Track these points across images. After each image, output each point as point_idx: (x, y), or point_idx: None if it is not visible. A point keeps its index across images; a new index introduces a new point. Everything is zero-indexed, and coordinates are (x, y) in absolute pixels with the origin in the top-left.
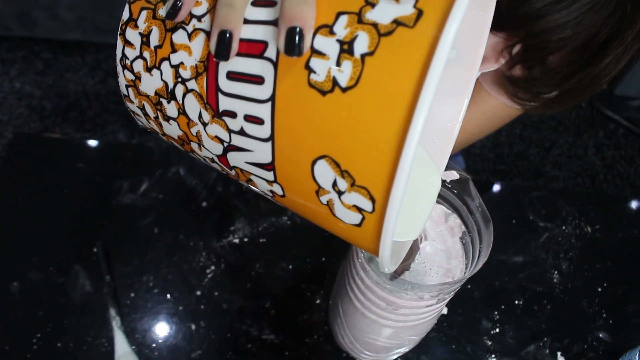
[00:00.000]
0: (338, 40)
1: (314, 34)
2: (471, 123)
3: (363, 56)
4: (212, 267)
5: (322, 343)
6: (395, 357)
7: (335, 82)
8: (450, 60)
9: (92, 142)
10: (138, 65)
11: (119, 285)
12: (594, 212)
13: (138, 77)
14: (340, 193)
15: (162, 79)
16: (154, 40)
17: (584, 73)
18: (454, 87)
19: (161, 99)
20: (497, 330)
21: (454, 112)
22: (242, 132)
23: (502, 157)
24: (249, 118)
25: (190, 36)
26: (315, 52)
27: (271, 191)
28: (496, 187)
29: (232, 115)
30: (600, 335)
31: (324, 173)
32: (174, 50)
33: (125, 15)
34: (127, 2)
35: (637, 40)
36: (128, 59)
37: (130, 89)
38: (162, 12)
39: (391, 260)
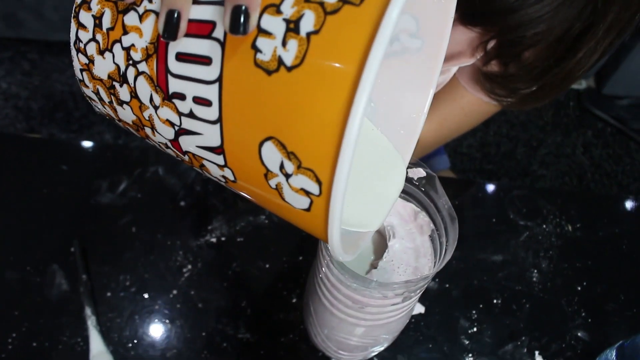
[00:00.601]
0: (285, 20)
1: (261, 13)
2: (449, 119)
3: (309, 35)
4: (189, 266)
5: (297, 342)
6: (370, 356)
7: (280, 62)
8: (414, 50)
9: (72, 142)
10: (91, 48)
11: (95, 284)
12: (575, 211)
13: (91, 61)
14: (287, 176)
15: (114, 62)
16: (106, 22)
17: (558, 68)
18: (419, 78)
19: (114, 83)
20: (475, 329)
21: (419, 103)
22: (191, 115)
23: (489, 157)
24: (197, 100)
25: (141, 18)
26: (261, 31)
27: (223, 177)
28: (477, 186)
29: (182, 97)
30: (579, 334)
31: (271, 155)
32: (125, 32)
33: None
34: None
35: (608, 34)
36: (82, 42)
37: (84, 73)
38: None
39: (347, 249)
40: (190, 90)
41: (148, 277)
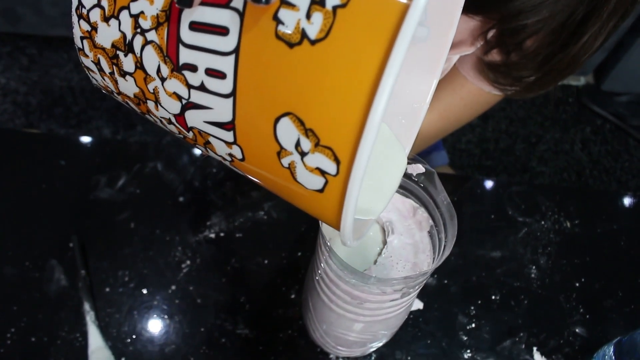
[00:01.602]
0: None
1: None
2: (449, 110)
3: (335, 8)
4: (188, 262)
5: (296, 338)
6: (369, 351)
7: (304, 34)
8: (420, 39)
9: (71, 138)
10: (95, 15)
11: (94, 279)
12: (574, 207)
13: (94, 28)
14: (303, 154)
15: (120, 30)
16: None
17: (563, 53)
18: (423, 67)
19: (118, 52)
20: (473, 325)
21: (422, 93)
22: (202, 88)
23: (488, 153)
24: (210, 72)
25: None
26: (284, 2)
27: (230, 155)
28: (476, 182)
29: (193, 68)
30: (577, 330)
31: (287, 132)
32: None
33: None
34: None
35: (613, 16)
36: (84, 8)
37: (85, 41)
38: None
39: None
40: (203, 61)
41: (147, 273)
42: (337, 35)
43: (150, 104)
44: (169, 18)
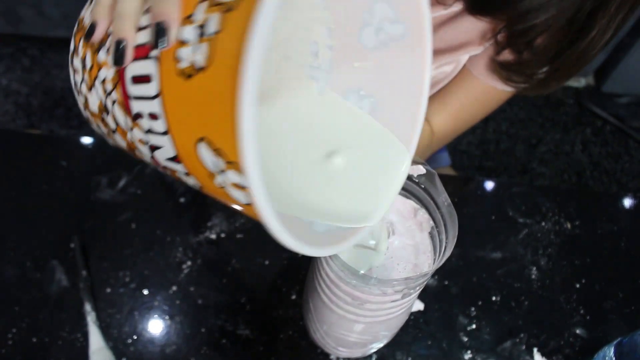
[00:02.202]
0: (197, 27)
1: (181, 25)
2: (462, 110)
3: (213, 35)
4: (189, 263)
5: (296, 339)
6: (370, 352)
7: (194, 66)
8: (399, 36)
9: (72, 138)
10: (84, 88)
11: (95, 280)
12: (574, 209)
13: (86, 99)
14: (223, 173)
15: (98, 96)
16: (88, 63)
17: (572, 49)
18: (414, 64)
19: (103, 115)
20: (474, 326)
21: (419, 91)
22: (151, 131)
23: (488, 154)
24: (151, 116)
25: (108, 52)
26: (181, 41)
27: (194, 184)
28: (476, 183)
29: (141, 116)
30: (577, 331)
31: (206, 155)
32: (99, 68)
33: (71, 47)
34: (72, 35)
35: (620, 9)
36: (77, 84)
37: (86, 111)
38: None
39: (334, 243)
40: (144, 108)
41: (147, 273)
42: (217, 59)
43: (136, 151)
44: (120, 78)
